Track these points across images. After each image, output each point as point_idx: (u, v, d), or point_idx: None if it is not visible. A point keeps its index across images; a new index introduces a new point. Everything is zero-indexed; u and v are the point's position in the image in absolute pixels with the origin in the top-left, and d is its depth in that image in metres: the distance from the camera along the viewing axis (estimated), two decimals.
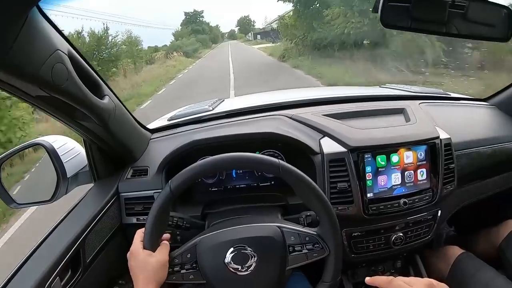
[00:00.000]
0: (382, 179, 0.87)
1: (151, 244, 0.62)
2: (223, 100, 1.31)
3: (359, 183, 0.84)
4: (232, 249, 0.63)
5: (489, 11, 0.81)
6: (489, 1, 0.78)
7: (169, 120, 1.11)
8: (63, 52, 0.56)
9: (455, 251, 1.02)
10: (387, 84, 1.43)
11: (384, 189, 0.87)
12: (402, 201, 0.86)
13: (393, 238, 0.89)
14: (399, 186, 0.88)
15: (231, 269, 0.62)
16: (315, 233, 0.64)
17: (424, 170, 0.90)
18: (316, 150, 0.87)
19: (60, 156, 0.84)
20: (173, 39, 42.95)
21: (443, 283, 0.64)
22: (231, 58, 19.65)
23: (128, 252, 0.62)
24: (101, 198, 0.84)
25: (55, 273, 0.65)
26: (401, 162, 0.88)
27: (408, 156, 0.88)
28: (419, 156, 0.89)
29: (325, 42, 10.81)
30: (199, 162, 0.62)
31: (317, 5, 11.79)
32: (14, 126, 4.71)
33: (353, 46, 9.54)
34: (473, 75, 5.34)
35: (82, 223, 0.76)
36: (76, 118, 0.68)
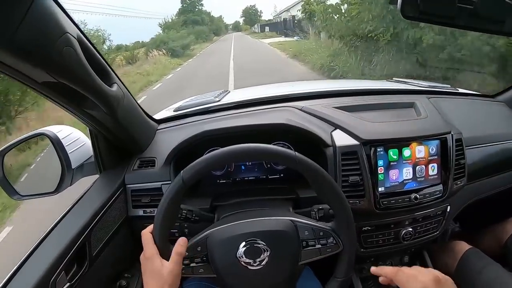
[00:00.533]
0: (393, 173, 0.86)
1: (162, 239, 0.60)
2: (229, 92, 1.28)
3: (371, 177, 0.83)
4: (244, 242, 0.61)
5: (497, 5, 0.80)
6: None
7: (175, 110, 1.08)
8: (73, 36, 0.53)
9: (463, 246, 1.02)
10: (394, 78, 1.42)
11: (395, 183, 0.86)
12: (413, 195, 0.85)
13: (402, 233, 0.89)
14: (410, 180, 0.87)
15: (243, 263, 0.61)
16: (330, 228, 0.63)
17: (435, 165, 0.89)
18: (328, 142, 0.85)
19: (65, 147, 0.82)
20: (160, 31, 31.84)
21: (448, 277, 0.64)
22: (233, 61, 12.66)
23: (142, 255, 0.60)
24: (107, 190, 0.82)
25: (61, 267, 0.64)
26: (413, 156, 0.86)
27: (420, 151, 0.87)
28: (430, 150, 0.88)
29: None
30: (213, 152, 0.60)
31: None
32: None
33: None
34: None
35: (88, 216, 0.74)
36: (83, 106, 0.66)
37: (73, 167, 0.83)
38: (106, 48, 15.66)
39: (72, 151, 0.83)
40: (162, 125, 0.99)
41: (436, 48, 4.95)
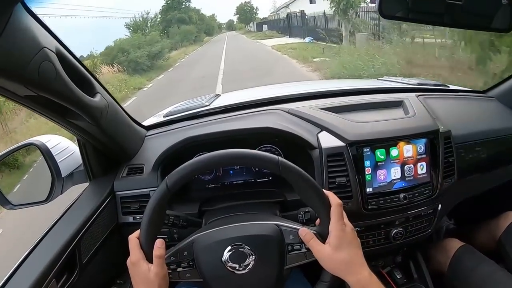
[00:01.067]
0: (381, 174, 0.86)
1: (148, 244, 0.60)
2: (219, 95, 1.29)
3: (358, 178, 0.83)
4: (229, 247, 0.61)
5: (486, 1, 0.80)
6: None
7: (165, 116, 1.09)
8: (51, 50, 0.54)
9: (455, 244, 1.02)
10: (384, 76, 1.42)
11: (383, 183, 0.86)
12: (402, 195, 0.85)
13: (393, 233, 0.89)
14: (399, 180, 0.87)
15: (228, 267, 0.61)
16: (315, 232, 0.63)
17: (424, 163, 0.88)
18: (314, 144, 0.86)
19: (54, 156, 0.83)
20: (128, 35, 21.69)
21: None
22: (224, 81, 8.13)
23: (128, 260, 0.61)
24: (97, 197, 0.83)
25: (51, 275, 0.64)
26: (401, 155, 0.86)
27: (407, 150, 0.87)
28: (418, 149, 0.88)
29: None
30: (197, 158, 0.61)
31: None
32: None
33: None
34: None
35: (78, 223, 0.74)
36: (67, 117, 0.66)
37: (63, 176, 0.84)
38: None
39: (62, 160, 0.84)
40: (151, 131, 1.00)
41: None
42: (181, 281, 0.64)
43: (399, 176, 0.87)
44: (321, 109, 0.95)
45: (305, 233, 0.60)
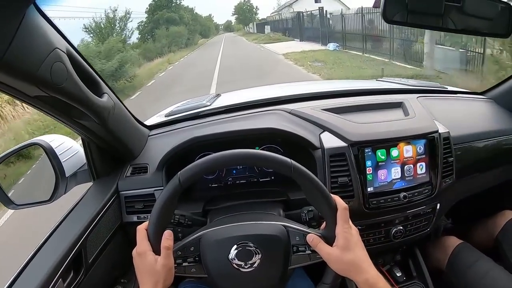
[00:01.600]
0: (382, 173, 0.87)
1: (156, 236, 0.61)
2: (220, 95, 1.30)
3: (360, 178, 0.85)
4: (236, 245, 0.63)
5: (486, 4, 0.81)
6: None
7: (166, 116, 1.10)
8: (62, 51, 0.55)
9: (453, 241, 1.04)
10: (384, 78, 1.43)
11: (384, 183, 0.88)
12: (402, 195, 0.87)
13: (393, 232, 0.90)
14: (399, 180, 0.89)
15: (234, 265, 0.62)
16: (320, 234, 0.64)
17: (424, 164, 0.90)
18: (316, 145, 0.87)
19: (58, 155, 0.83)
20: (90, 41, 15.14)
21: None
22: None
23: (134, 251, 0.61)
24: (101, 197, 0.84)
25: (58, 275, 0.65)
26: (401, 156, 0.88)
27: (407, 150, 0.89)
28: (418, 150, 0.89)
29: None
30: (210, 156, 0.61)
31: None
32: None
33: None
34: None
35: (83, 223, 0.75)
36: (74, 117, 0.67)
37: (67, 176, 0.84)
38: None
39: (66, 160, 0.85)
40: (154, 131, 1.01)
41: None
42: (186, 275, 0.64)
43: (399, 176, 0.89)
44: (322, 110, 0.96)
45: (312, 238, 0.61)
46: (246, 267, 0.62)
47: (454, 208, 1.07)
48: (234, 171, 0.99)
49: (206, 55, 18.31)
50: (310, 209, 0.75)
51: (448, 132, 0.94)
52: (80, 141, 0.85)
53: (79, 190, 0.88)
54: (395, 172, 0.88)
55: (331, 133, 0.88)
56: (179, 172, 0.60)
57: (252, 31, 43.40)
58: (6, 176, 0.85)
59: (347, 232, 0.59)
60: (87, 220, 0.76)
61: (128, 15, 18.47)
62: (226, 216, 0.77)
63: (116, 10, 17.95)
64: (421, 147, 0.90)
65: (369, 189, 0.86)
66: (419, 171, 0.90)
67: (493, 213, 1.10)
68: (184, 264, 0.63)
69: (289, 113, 0.97)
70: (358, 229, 0.87)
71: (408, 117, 0.94)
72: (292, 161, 0.60)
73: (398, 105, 1.02)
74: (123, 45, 14.40)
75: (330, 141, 0.87)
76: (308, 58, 9.64)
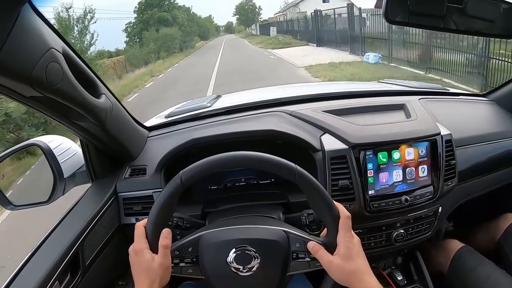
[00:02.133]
0: (383, 176, 0.86)
1: (154, 234, 0.60)
2: (220, 96, 1.29)
3: (361, 180, 0.84)
4: (235, 249, 0.62)
5: (488, 5, 0.80)
6: None
7: (166, 117, 1.09)
8: (58, 51, 0.54)
9: (455, 244, 1.03)
10: (385, 79, 1.43)
11: (385, 186, 0.87)
12: (403, 198, 0.86)
13: (394, 235, 0.89)
14: (401, 183, 0.87)
15: (232, 268, 0.61)
16: (321, 242, 0.63)
17: (425, 166, 0.89)
18: (317, 147, 0.86)
19: (57, 156, 0.83)
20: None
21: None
22: None
23: (130, 248, 0.60)
24: (99, 198, 0.83)
25: (54, 277, 0.64)
26: (403, 158, 0.87)
27: (409, 153, 0.87)
28: (420, 152, 0.88)
29: None
30: (213, 157, 0.60)
31: None
32: None
33: None
34: None
35: (81, 225, 0.74)
36: (71, 118, 0.66)
37: (65, 177, 0.84)
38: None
39: (64, 161, 0.84)
40: (153, 132, 1.00)
41: None
42: (182, 276, 0.64)
43: (400, 178, 0.87)
44: (323, 111, 0.95)
45: (313, 245, 0.61)
46: (244, 271, 0.61)
47: (456, 210, 1.06)
48: (234, 173, 0.98)
49: (203, 61, 16.06)
50: (310, 212, 0.75)
51: (450, 134, 0.93)
52: (79, 142, 0.85)
53: (77, 191, 0.88)
54: (397, 175, 0.87)
55: (332, 135, 0.87)
56: (181, 171, 0.59)
57: (255, 32, 41.16)
58: (4, 177, 0.84)
59: (349, 241, 0.58)
60: (85, 222, 0.75)
61: (90, 14, 12.14)
62: (227, 218, 0.76)
63: (70, 7, 11.61)
64: (423, 150, 0.89)
65: (370, 192, 0.85)
66: (421, 174, 0.89)
67: (495, 216, 1.09)
68: (181, 264, 0.62)
69: (290, 114, 0.96)
70: (359, 232, 0.88)
71: (410, 119, 0.94)
72: (297, 166, 0.59)
73: (400, 107, 1.01)
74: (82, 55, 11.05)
75: (331, 143, 0.86)
76: (346, 76, 6.85)
